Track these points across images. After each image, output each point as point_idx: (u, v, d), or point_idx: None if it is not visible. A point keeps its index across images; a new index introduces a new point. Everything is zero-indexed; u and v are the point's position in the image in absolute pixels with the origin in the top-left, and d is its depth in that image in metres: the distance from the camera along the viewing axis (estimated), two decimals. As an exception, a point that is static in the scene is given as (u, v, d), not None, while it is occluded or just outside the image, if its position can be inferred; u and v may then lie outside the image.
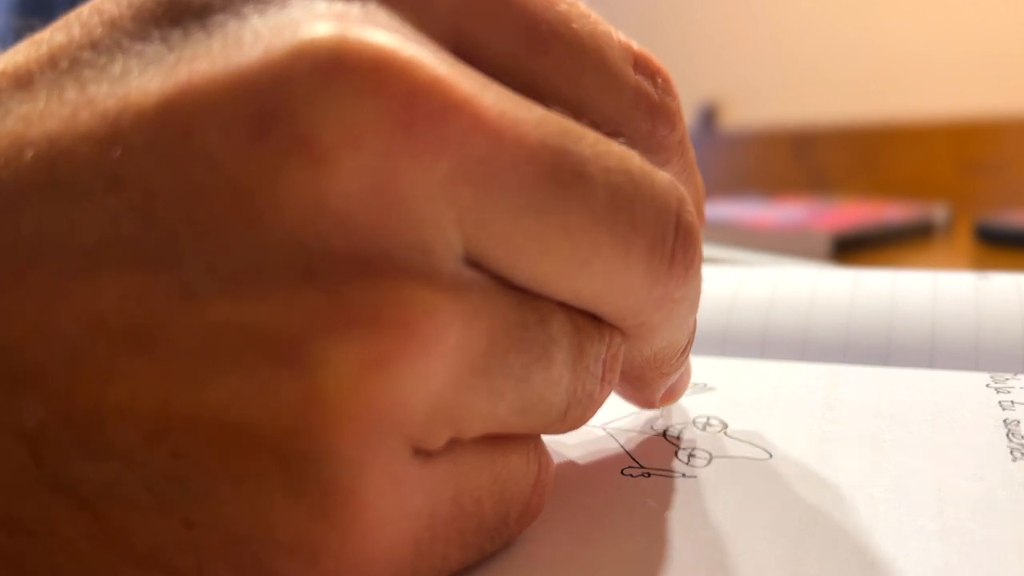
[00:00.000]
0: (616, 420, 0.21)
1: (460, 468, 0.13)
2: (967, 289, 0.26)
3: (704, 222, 0.18)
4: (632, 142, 0.14)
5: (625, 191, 0.13)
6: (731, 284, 0.29)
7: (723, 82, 1.73)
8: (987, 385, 0.22)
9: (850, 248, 0.60)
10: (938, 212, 0.72)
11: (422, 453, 0.12)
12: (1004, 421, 0.19)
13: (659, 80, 0.15)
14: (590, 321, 0.14)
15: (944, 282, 0.27)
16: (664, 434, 0.20)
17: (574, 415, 0.14)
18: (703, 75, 1.80)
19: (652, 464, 0.18)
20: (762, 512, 0.16)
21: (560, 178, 0.12)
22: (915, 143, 1.20)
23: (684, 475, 0.18)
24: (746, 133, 1.45)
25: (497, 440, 0.13)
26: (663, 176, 0.14)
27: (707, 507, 0.16)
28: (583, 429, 0.20)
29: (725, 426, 0.20)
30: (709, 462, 0.18)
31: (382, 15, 0.12)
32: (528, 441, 0.14)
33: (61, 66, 0.12)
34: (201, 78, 0.11)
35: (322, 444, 0.11)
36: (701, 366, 0.25)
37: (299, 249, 0.11)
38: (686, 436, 0.20)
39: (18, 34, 0.13)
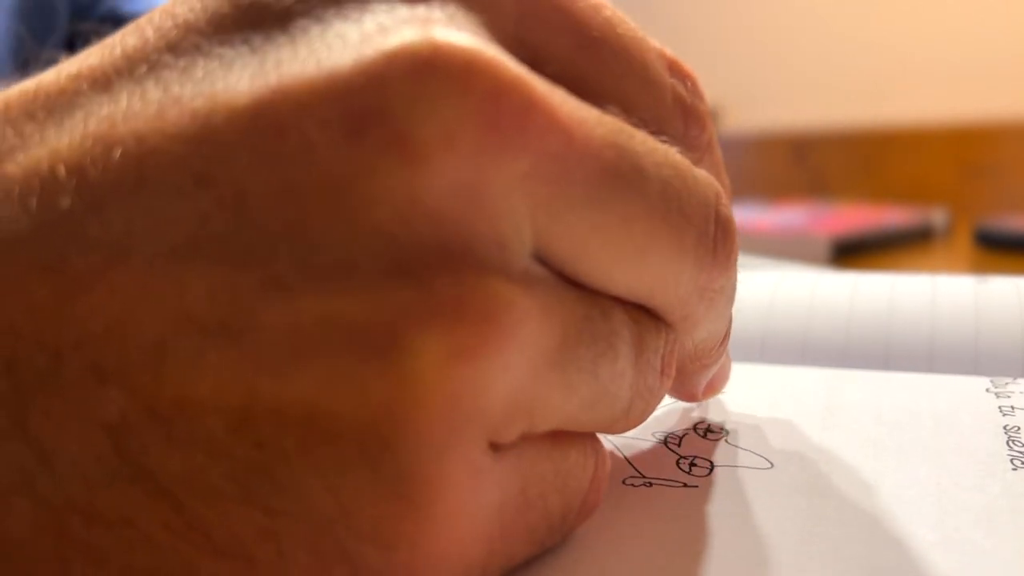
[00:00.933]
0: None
1: (526, 462, 0.13)
2: (966, 293, 0.26)
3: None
4: (671, 141, 0.15)
5: (675, 184, 0.14)
6: (731, 288, 0.29)
7: (723, 86, 1.73)
8: (987, 390, 0.22)
9: (850, 252, 0.60)
10: (937, 216, 0.72)
11: (495, 446, 0.12)
12: (1004, 428, 0.19)
13: (689, 84, 0.16)
14: (648, 316, 0.14)
15: (943, 286, 0.27)
16: (665, 442, 0.20)
17: (637, 410, 0.15)
18: (703, 79, 1.80)
19: (653, 474, 0.18)
20: (763, 522, 0.16)
21: (620, 172, 0.13)
22: (914, 147, 1.20)
23: (686, 485, 0.18)
24: (746, 137, 1.45)
25: (559, 436, 0.14)
26: (702, 172, 0.15)
27: (709, 517, 0.16)
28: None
29: (726, 433, 0.20)
30: (710, 471, 0.18)
31: (461, 18, 0.12)
32: (586, 436, 0.15)
33: (139, 68, 0.12)
34: (293, 79, 0.11)
35: (405, 433, 0.11)
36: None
37: (390, 244, 0.11)
38: (687, 444, 0.20)
39: (19, 40, 0.13)
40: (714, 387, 0.20)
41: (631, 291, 0.14)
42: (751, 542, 0.15)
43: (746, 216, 0.72)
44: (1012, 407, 0.20)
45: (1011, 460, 0.18)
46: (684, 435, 0.20)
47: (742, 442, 0.20)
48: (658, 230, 0.13)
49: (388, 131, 0.11)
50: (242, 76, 0.11)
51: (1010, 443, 0.18)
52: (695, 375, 0.18)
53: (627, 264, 0.13)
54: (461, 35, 0.11)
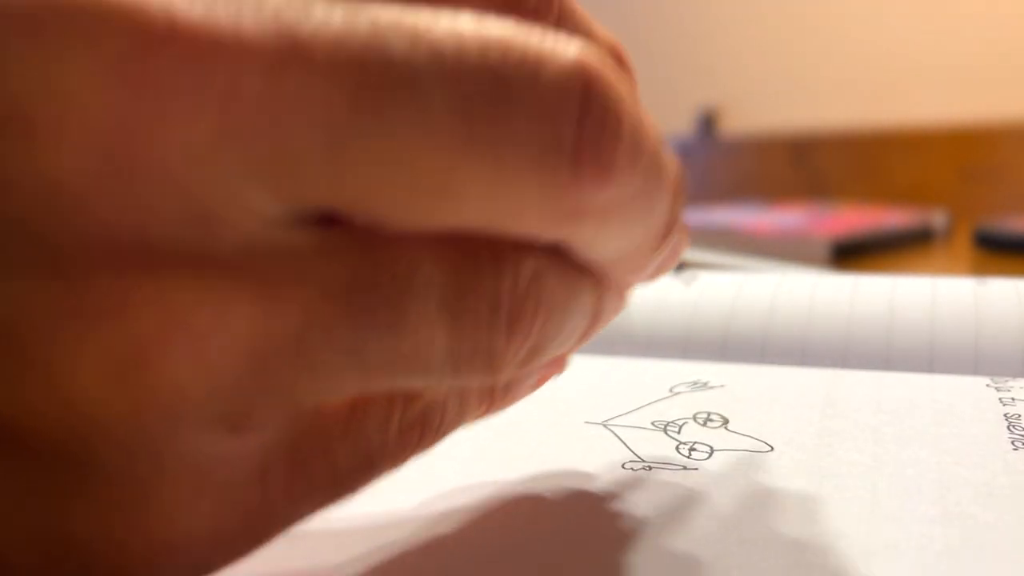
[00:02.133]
0: (617, 417, 0.21)
1: (295, 432, 0.12)
2: (966, 295, 0.26)
3: (632, 71, 0.15)
4: (522, 10, 0.12)
5: (479, 95, 0.10)
6: (731, 290, 0.29)
7: (723, 88, 1.73)
8: (987, 386, 0.22)
9: (850, 254, 0.61)
10: (937, 218, 0.72)
11: (243, 426, 0.11)
12: (1005, 415, 0.19)
13: None
14: (477, 258, 0.12)
15: (943, 288, 0.27)
16: (665, 430, 0.20)
17: (469, 372, 0.12)
18: (703, 81, 1.80)
19: (653, 458, 0.18)
20: (764, 502, 0.16)
21: (378, 97, 0.10)
22: (914, 149, 1.20)
23: (686, 468, 0.18)
24: (746, 139, 1.46)
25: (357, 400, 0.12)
26: (564, 54, 0.11)
27: (709, 499, 0.16)
28: (583, 426, 0.20)
29: (726, 421, 0.20)
30: (710, 455, 0.18)
31: None
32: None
33: None
34: None
35: (97, 444, 0.10)
36: (702, 368, 0.25)
37: (33, 237, 0.09)
38: (687, 431, 0.20)
39: None
40: (665, 266, 0.16)
41: (446, 228, 0.11)
42: (752, 523, 0.15)
43: (746, 218, 0.72)
44: (1013, 399, 0.21)
45: (1012, 442, 0.18)
46: (684, 424, 0.20)
47: (742, 429, 0.20)
48: (459, 160, 0.10)
49: (2, 106, 0.09)
50: None
51: (1011, 428, 0.19)
52: (635, 271, 0.15)
53: (426, 206, 0.11)
54: None
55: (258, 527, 0.12)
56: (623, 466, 0.18)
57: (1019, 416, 0.19)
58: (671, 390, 0.23)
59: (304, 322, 0.10)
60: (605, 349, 0.28)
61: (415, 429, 0.13)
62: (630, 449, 0.19)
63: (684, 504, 0.16)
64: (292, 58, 0.10)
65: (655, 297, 0.29)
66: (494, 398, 0.15)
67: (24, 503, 0.10)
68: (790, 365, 0.25)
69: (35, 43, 0.09)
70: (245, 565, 0.12)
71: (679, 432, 0.20)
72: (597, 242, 0.13)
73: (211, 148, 0.09)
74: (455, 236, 0.11)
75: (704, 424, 0.20)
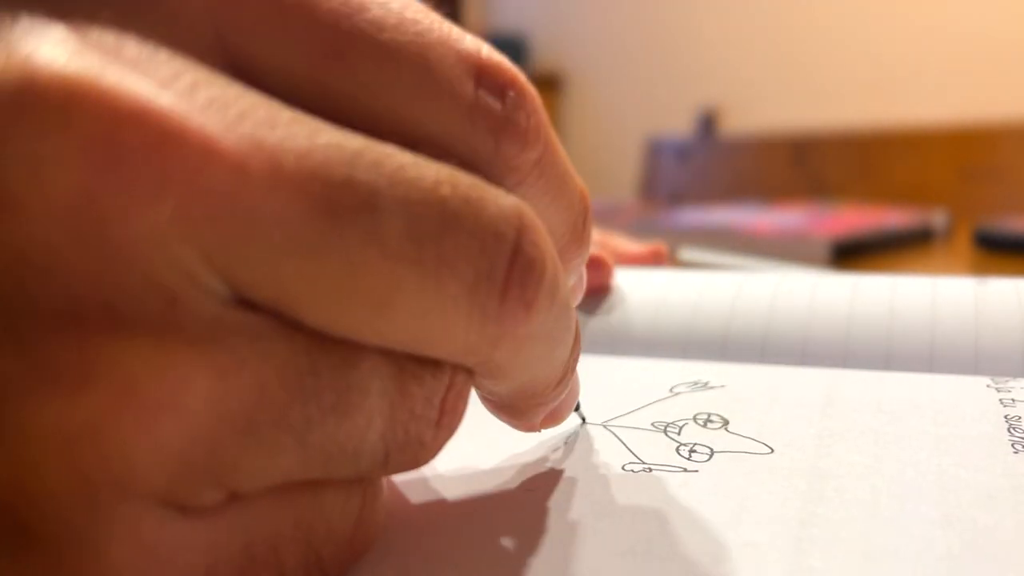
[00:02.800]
0: (617, 417, 0.21)
1: (248, 519, 0.12)
2: (966, 294, 0.26)
3: (586, 240, 0.17)
4: (469, 164, 0.13)
5: (431, 221, 0.11)
6: (731, 290, 0.29)
7: (723, 89, 1.73)
8: (988, 386, 0.22)
9: (850, 254, 0.61)
10: (937, 218, 0.72)
11: (191, 510, 0.11)
12: (1005, 417, 0.19)
13: (510, 94, 0.14)
14: (418, 361, 0.13)
15: (943, 287, 0.27)
16: (665, 431, 0.20)
17: (399, 461, 0.13)
18: (703, 82, 1.80)
19: (653, 460, 0.18)
20: (764, 504, 0.16)
21: (334, 211, 0.11)
22: (914, 149, 1.20)
23: (686, 470, 0.18)
24: (746, 139, 1.45)
25: (299, 487, 0.12)
26: (502, 203, 0.12)
27: (709, 500, 0.16)
28: (584, 427, 0.20)
29: (726, 422, 0.20)
30: (710, 457, 0.18)
31: (110, 34, 0.11)
32: (345, 481, 0.13)
33: None
34: None
35: (43, 516, 0.10)
36: (702, 368, 0.25)
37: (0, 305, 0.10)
38: (687, 433, 0.20)
39: None
40: (555, 417, 0.17)
41: (386, 342, 0.12)
42: (752, 525, 0.15)
43: (746, 218, 0.72)
44: (1013, 399, 0.21)
45: (1012, 444, 0.18)
46: (684, 425, 0.20)
47: (742, 430, 0.20)
48: (403, 277, 0.11)
49: None
50: None
51: (1011, 430, 0.19)
52: (528, 412, 0.16)
53: (366, 316, 0.11)
54: (78, 59, 0.10)
55: None
56: (623, 467, 0.18)
57: (1019, 418, 0.19)
58: (671, 390, 0.23)
59: (257, 400, 0.11)
60: (605, 349, 0.28)
61: (368, 534, 0.14)
62: (630, 450, 0.19)
63: (684, 506, 0.16)
64: (260, 160, 0.10)
65: (655, 297, 0.30)
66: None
67: None
68: (790, 365, 0.25)
69: (11, 119, 0.10)
70: None
71: (679, 433, 0.20)
72: (509, 370, 0.14)
73: (172, 231, 0.10)
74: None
75: (704, 425, 0.20)
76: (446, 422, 0.13)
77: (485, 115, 0.13)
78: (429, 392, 0.13)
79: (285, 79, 0.12)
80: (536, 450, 0.19)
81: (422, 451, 0.13)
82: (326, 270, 0.11)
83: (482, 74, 0.14)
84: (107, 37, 0.11)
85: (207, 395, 0.10)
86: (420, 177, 0.12)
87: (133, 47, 0.11)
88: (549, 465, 0.18)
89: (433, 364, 0.13)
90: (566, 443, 0.20)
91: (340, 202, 0.11)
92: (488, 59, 0.14)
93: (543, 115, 0.14)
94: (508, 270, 0.12)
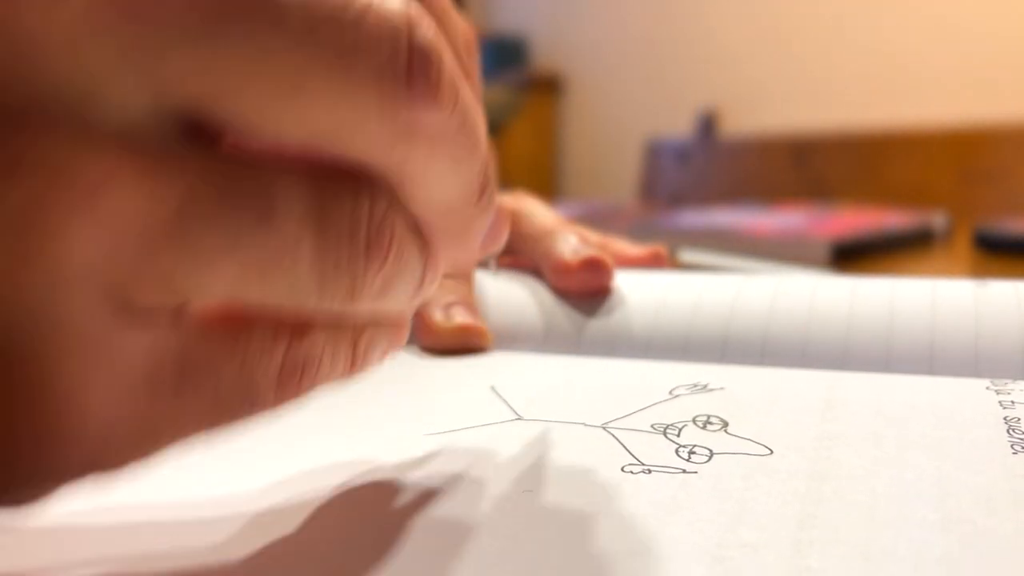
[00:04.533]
0: (617, 419, 0.21)
1: (186, 333, 0.12)
2: (966, 296, 0.26)
3: (476, 52, 0.17)
4: None
5: (328, 9, 0.12)
6: (730, 292, 0.29)
7: (723, 90, 1.73)
8: (987, 388, 0.22)
9: (850, 255, 0.61)
10: (937, 219, 0.72)
11: (136, 314, 0.12)
12: (1005, 419, 0.19)
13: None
14: (338, 181, 0.13)
15: (943, 289, 0.27)
16: (664, 433, 0.20)
17: (334, 288, 0.13)
18: (703, 83, 1.81)
19: (653, 461, 0.18)
20: (763, 505, 0.16)
21: (241, 2, 0.11)
22: (914, 151, 1.20)
23: (685, 471, 0.18)
24: (746, 141, 1.45)
25: (239, 315, 0.13)
26: (391, 4, 0.13)
27: (708, 502, 0.16)
28: (583, 429, 0.20)
29: (726, 424, 0.20)
30: (710, 459, 0.18)
31: None
32: (274, 319, 0.14)
33: None
34: None
35: None
36: (701, 370, 0.25)
37: None
38: (687, 434, 0.20)
39: None
40: (495, 238, 0.18)
41: (299, 137, 0.13)
42: (751, 526, 0.15)
43: (746, 219, 0.72)
44: (1012, 402, 0.21)
45: (1011, 446, 0.18)
46: (683, 427, 0.20)
47: (741, 432, 0.20)
48: (312, 62, 0.12)
49: None
50: None
51: (1010, 431, 0.19)
52: (460, 234, 0.16)
53: (280, 102, 0.12)
54: None
55: (143, 434, 0.12)
56: (622, 469, 0.18)
57: (1019, 420, 0.19)
58: (671, 392, 0.23)
59: (182, 205, 0.11)
60: (605, 350, 0.28)
61: (296, 371, 0.14)
62: (629, 452, 0.19)
63: (683, 508, 0.16)
64: None
65: (655, 299, 0.30)
66: (355, 358, 0.15)
67: None
68: (790, 367, 0.25)
69: None
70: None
71: (679, 435, 0.20)
72: (425, 180, 0.14)
73: (87, 30, 0.11)
74: (315, 160, 0.13)
75: (704, 427, 0.20)
76: (376, 247, 0.14)
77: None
78: (354, 214, 0.13)
79: None
80: (535, 452, 0.19)
81: (356, 281, 0.14)
82: (236, 59, 0.11)
83: None
84: None
85: (133, 190, 0.11)
86: None
87: None
88: (548, 467, 0.19)
89: (351, 186, 0.13)
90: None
91: None
92: None
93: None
94: (408, 57, 0.13)
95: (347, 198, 0.13)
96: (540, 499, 0.17)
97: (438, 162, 0.14)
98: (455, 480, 0.18)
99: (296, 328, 0.14)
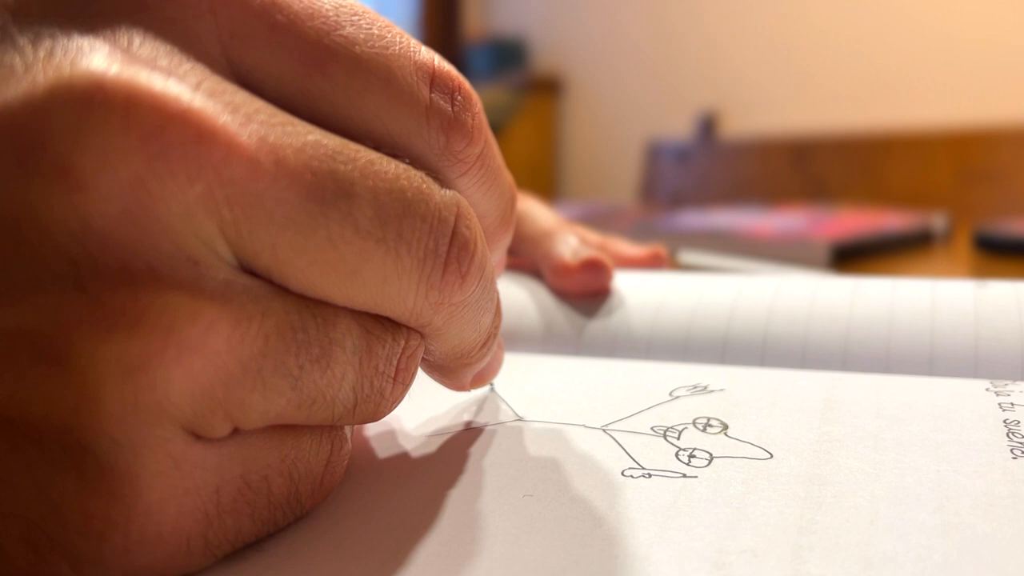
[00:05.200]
0: (617, 421, 0.21)
1: (247, 451, 0.14)
2: (966, 297, 0.26)
3: (512, 224, 0.20)
4: (421, 158, 0.16)
5: (393, 207, 0.14)
6: (731, 293, 0.29)
7: (723, 92, 1.73)
8: (987, 389, 0.22)
9: (849, 257, 0.61)
10: (937, 221, 0.72)
11: (204, 439, 0.13)
12: (1004, 421, 0.19)
13: (458, 97, 0.16)
14: (383, 324, 0.16)
15: (943, 290, 0.27)
16: (665, 435, 0.20)
17: (364, 410, 0.16)
18: (703, 85, 1.81)
19: (653, 465, 0.18)
20: (763, 510, 0.16)
21: (321, 196, 0.13)
22: (914, 152, 1.20)
23: (685, 475, 0.18)
24: (746, 142, 1.45)
25: (286, 428, 0.15)
26: (444, 194, 0.15)
27: (708, 507, 0.16)
28: (583, 431, 0.20)
29: (726, 427, 0.20)
30: (710, 462, 0.18)
31: (147, 47, 0.13)
32: (321, 427, 0.16)
33: None
34: None
35: (96, 434, 0.12)
36: (701, 371, 0.25)
37: (68, 263, 0.12)
38: (687, 437, 0.20)
39: None
40: (483, 378, 0.21)
41: (353, 303, 0.15)
42: (751, 532, 0.15)
43: (746, 221, 0.72)
44: (1012, 403, 0.20)
45: (1011, 450, 0.18)
46: (683, 429, 0.20)
47: (741, 435, 0.20)
48: (371, 252, 0.14)
49: (52, 161, 0.12)
50: None
51: (1010, 435, 0.19)
52: (458, 372, 0.19)
53: (339, 281, 0.14)
54: (131, 67, 0.12)
55: (210, 538, 0.14)
56: (622, 473, 0.18)
57: (1018, 423, 0.19)
58: (671, 394, 0.23)
59: (263, 348, 0.13)
60: (605, 351, 0.28)
61: (336, 473, 0.17)
62: (630, 455, 0.19)
63: (683, 513, 0.16)
64: (267, 153, 0.13)
65: (655, 299, 0.29)
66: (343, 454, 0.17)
67: (20, 492, 0.12)
68: (790, 367, 0.25)
69: (84, 115, 0.12)
70: None
71: (679, 438, 0.20)
72: (445, 332, 0.17)
73: (199, 209, 0.13)
74: (358, 311, 0.15)
75: (704, 430, 0.20)
76: (401, 378, 0.16)
77: (437, 116, 0.16)
78: (389, 352, 0.16)
79: (276, 87, 0.15)
80: (536, 455, 0.19)
81: (382, 403, 0.16)
82: (312, 243, 0.14)
83: (435, 80, 0.16)
84: (144, 51, 0.13)
85: (227, 341, 0.13)
86: (384, 171, 0.14)
87: (164, 59, 0.13)
88: (548, 470, 0.18)
89: (392, 328, 0.16)
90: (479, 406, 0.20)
91: (325, 189, 0.14)
92: (440, 67, 0.16)
93: (483, 116, 0.17)
94: (448, 248, 0.15)
95: (387, 338, 0.16)
96: (540, 503, 0.17)
97: (454, 324, 0.17)
98: (455, 481, 0.18)
99: (334, 432, 0.16)
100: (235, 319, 0.13)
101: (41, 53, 0.13)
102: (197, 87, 0.13)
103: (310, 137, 0.14)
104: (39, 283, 0.12)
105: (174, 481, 0.13)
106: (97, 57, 0.13)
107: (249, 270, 0.14)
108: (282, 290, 0.14)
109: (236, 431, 0.14)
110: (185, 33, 0.14)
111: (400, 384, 0.16)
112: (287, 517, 0.16)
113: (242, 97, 0.14)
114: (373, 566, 0.15)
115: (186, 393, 0.13)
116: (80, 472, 0.12)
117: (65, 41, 0.13)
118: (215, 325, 0.13)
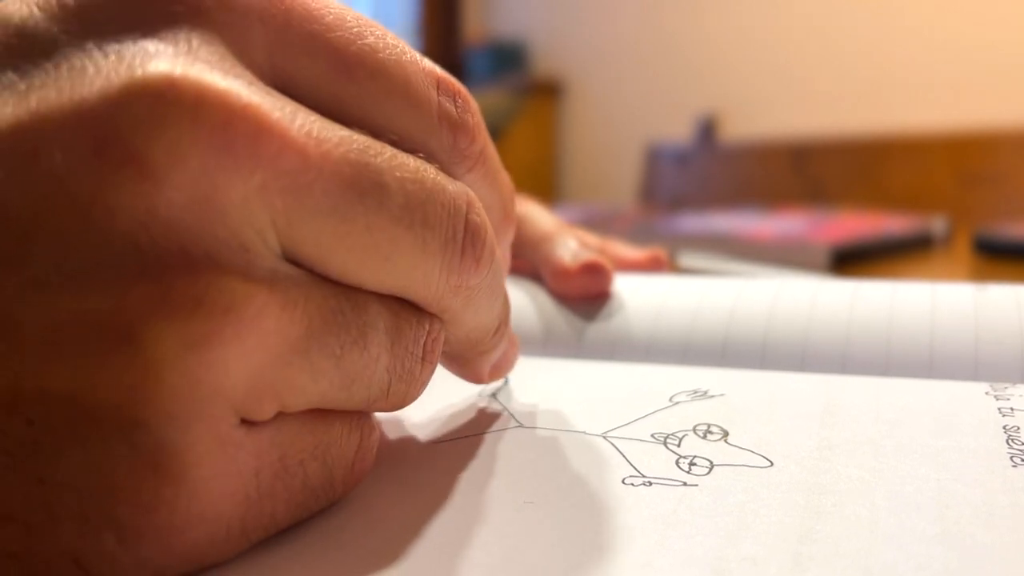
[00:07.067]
0: (617, 428, 0.21)
1: (285, 435, 0.15)
2: (966, 300, 0.26)
3: (513, 219, 0.21)
4: (433, 155, 0.17)
5: (419, 196, 0.16)
6: (731, 296, 0.29)
7: (723, 95, 1.73)
8: (986, 393, 0.22)
9: (849, 260, 0.61)
10: (937, 224, 0.72)
11: (248, 421, 0.14)
12: (1004, 427, 0.19)
13: (459, 100, 0.18)
14: (408, 308, 0.17)
15: (943, 294, 0.27)
16: (665, 443, 0.20)
17: (396, 391, 0.17)
18: (703, 88, 1.81)
19: (653, 473, 0.18)
20: (763, 519, 0.16)
21: (360, 186, 0.15)
22: (914, 155, 1.20)
23: (686, 484, 0.18)
24: (745, 145, 1.46)
25: (321, 413, 0.16)
26: (455, 184, 0.17)
27: (708, 515, 0.16)
28: (583, 438, 0.20)
29: (726, 434, 0.20)
30: (710, 470, 0.18)
31: (205, 51, 0.14)
32: (352, 413, 0.17)
33: None
34: (48, 106, 0.13)
35: (154, 412, 0.13)
36: (701, 375, 0.25)
37: (133, 249, 0.13)
38: (687, 444, 0.20)
39: None
40: (499, 370, 0.22)
41: (384, 287, 0.16)
42: (751, 540, 0.15)
43: (746, 224, 0.72)
44: (1011, 408, 0.20)
45: (1011, 457, 0.18)
46: (684, 436, 0.20)
47: (741, 442, 0.20)
48: (401, 237, 0.15)
49: (125, 152, 0.13)
50: (7, 102, 0.13)
51: (1010, 442, 0.18)
52: (475, 361, 0.21)
53: (374, 266, 0.15)
54: (198, 67, 0.14)
55: (247, 522, 0.15)
56: (623, 481, 0.18)
57: (1018, 428, 0.19)
58: (671, 399, 0.23)
59: (307, 330, 0.14)
60: (605, 355, 0.28)
61: (367, 458, 0.17)
62: (630, 463, 0.19)
63: (683, 521, 0.16)
64: (314, 147, 0.14)
65: (655, 303, 0.29)
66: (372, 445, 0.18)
67: (76, 466, 0.13)
68: (789, 371, 0.25)
69: (157, 110, 0.13)
70: None
71: (679, 445, 0.20)
72: (462, 315, 0.18)
73: (256, 199, 0.13)
74: (386, 296, 0.16)
75: (704, 437, 0.20)
76: (429, 359, 0.17)
77: (445, 116, 0.17)
78: (416, 333, 0.17)
79: (311, 91, 0.16)
80: (536, 461, 0.19)
81: (413, 383, 0.17)
82: (354, 230, 0.15)
83: (441, 84, 0.17)
84: (202, 53, 0.14)
85: (276, 322, 0.14)
86: (406, 164, 0.16)
87: (225, 63, 0.14)
88: (549, 478, 0.18)
89: (416, 312, 0.17)
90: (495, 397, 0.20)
91: (363, 180, 0.15)
92: (442, 74, 0.18)
93: (480, 117, 0.19)
94: (464, 234, 0.17)
95: (414, 320, 0.17)
96: (541, 511, 0.17)
97: (470, 308, 0.18)
98: (456, 488, 0.18)
99: (364, 418, 0.17)
100: (282, 303, 0.14)
101: (111, 56, 0.14)
102: (251, 87, 0.14)
103: (343, 133, 0.15)
104: (107, 267, 0.13)
105: (219, 461, 0.14)
106: (166, 58, 0.13)
107: (290, 258, 0.14)
108: (319, 277, 0.15)
109: (277, 415, 0.15)
110: (236, 40, 0.15)
111: (428, 364, 0.17)
112: (320, 502, 0.16)
113: (282, 99, 0.15)
114: (374, 571, 0.15)
115: (241, 371, 0.13)
116: (133, 447, 0.13)
117: (132, 45, 0.14)
118: (266, 308, 0.13)
